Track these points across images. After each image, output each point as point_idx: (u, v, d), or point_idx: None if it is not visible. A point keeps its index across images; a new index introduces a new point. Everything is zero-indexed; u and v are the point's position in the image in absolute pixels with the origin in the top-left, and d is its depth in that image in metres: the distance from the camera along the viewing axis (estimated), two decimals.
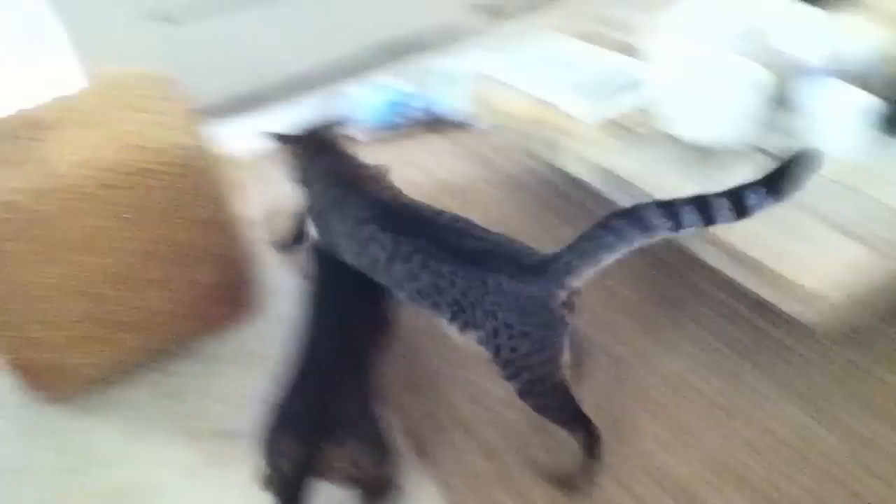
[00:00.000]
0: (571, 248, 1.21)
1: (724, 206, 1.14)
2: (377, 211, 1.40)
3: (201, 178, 1.59)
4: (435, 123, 2.40)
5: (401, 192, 1.49)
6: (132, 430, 1.58)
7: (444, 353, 1.61)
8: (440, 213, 1.38)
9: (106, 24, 2.32)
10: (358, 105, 2.50)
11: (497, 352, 1.28)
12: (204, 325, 1.74)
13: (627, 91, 1.71)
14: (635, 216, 1.17)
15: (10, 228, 1.42)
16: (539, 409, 1.33)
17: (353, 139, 1.72)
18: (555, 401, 1.32)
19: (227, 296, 1.74)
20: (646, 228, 1.17)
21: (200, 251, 1.64)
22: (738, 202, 1.13)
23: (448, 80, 2.50)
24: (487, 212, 2.01)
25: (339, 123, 1.66)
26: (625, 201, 1.50)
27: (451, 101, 2.41)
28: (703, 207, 1.15)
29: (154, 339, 1.68)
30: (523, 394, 1.30)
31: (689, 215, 1.15)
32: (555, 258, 1.22)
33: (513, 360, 1.27)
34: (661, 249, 1.37)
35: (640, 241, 1.18)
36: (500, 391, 1.43)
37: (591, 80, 1.75)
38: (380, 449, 1.29)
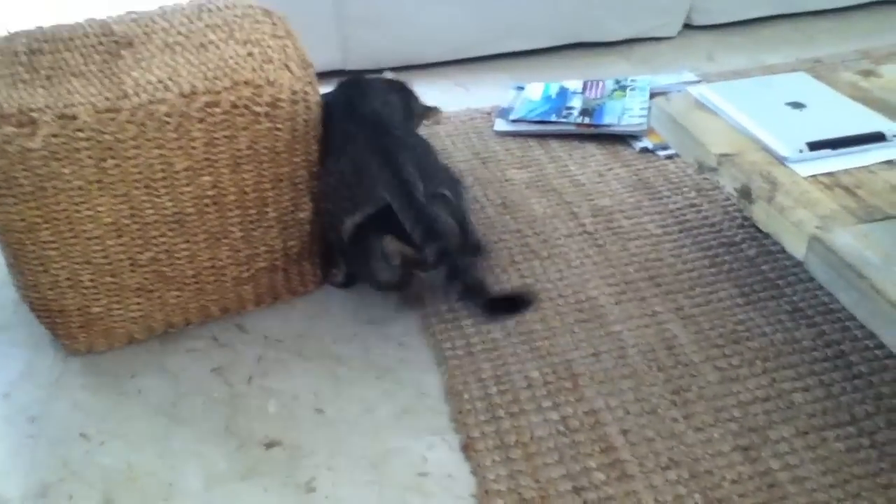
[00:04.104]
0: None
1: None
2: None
3: (301, 130, 1.37)
4: (595, 132, 2.07)
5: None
6: (167, 409, 1.34)
7: None
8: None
9: None
10: (517, 96, 2.22)
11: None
12: (260, 294, 1.52)
13: (865, 151, 1.35)
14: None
15: (67, 148, 1.21)
16: None
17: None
18: None
19: (293, 265, 1.52)
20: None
21: (272, 210, 1.43)
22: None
23: (636, 93, 2.15)
24: (632, 246, 1.67)
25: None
26: (839, 288, 1.15)
27: (628, 115, 2.06)
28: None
29: (201, 300, 1.47)
30: None
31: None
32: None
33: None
34: None
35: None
36: None
37: (822, 126, 1.39)
38: (463, 216, 1.39)
